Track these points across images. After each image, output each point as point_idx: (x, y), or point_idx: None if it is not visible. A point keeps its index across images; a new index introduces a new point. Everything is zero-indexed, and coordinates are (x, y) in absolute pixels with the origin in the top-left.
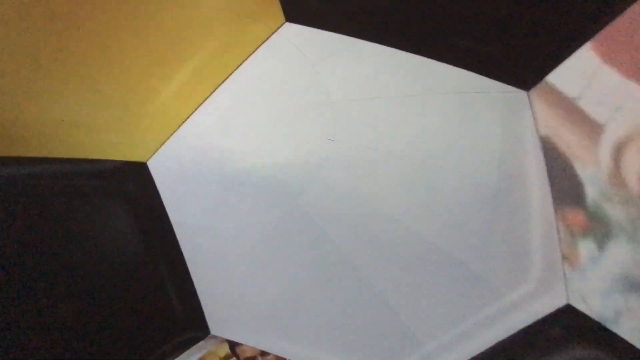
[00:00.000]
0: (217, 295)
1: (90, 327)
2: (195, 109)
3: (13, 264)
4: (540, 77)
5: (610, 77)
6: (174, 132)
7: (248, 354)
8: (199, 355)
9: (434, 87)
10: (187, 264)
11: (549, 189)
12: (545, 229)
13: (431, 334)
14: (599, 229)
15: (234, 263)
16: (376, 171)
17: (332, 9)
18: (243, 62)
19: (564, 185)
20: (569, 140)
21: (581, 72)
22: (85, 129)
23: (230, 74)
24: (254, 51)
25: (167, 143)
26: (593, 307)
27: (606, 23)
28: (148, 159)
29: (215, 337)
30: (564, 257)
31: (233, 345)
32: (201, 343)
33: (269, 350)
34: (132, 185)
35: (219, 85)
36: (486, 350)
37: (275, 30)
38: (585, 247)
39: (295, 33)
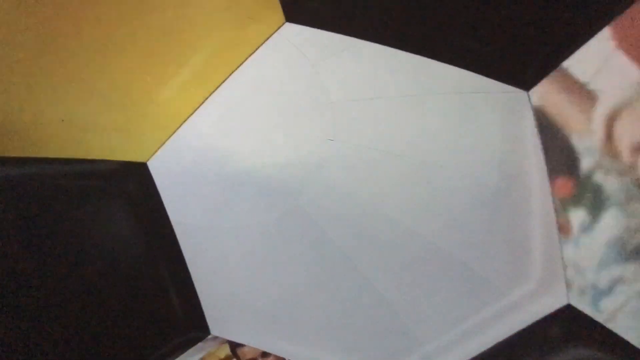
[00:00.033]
0: (217, 296)
1: (89, 327)
2: (196, 109)
3: (13, 264)
4: (540, 77)
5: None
6: (174, 132)
7: (249, 355)
8: (199, 356)
9: (434, 87)
10: (187, 263)
11: (549, 189)
12: (545, 229)
13: (431, 334)
14: (592, 198)
15: (234, 263)
16: (376, 171)
17: (333, 9)
18: (243, 62)
19: (558, 154)
20: (564, 111)
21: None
22: (85, 129)
23: (230, 74)
24: (254, 51)
25: (167, 143)
26: (587, 277)
27: (606, 23)
28: (148, 159)
29: (215, 337)
30: (558, 227)
31: (234, 347)
32: (201, 344)
33: (269, 351)
34: (132, 185)
35: (219, 85)
36: (486, 350)
37: (276, 31)
38: (579, 217)
39: (295, 33)
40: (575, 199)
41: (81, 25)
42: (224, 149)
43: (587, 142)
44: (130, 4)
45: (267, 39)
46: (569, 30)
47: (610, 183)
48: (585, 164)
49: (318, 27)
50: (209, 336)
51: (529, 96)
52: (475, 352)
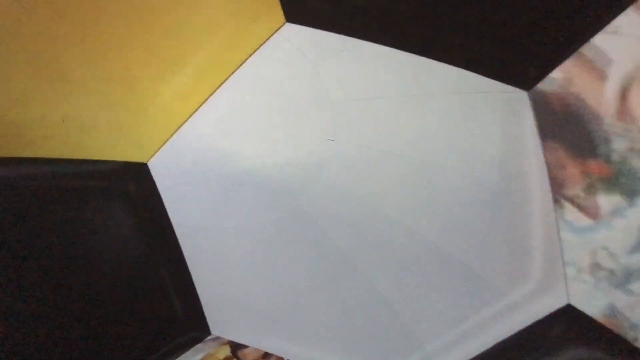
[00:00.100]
0: (217, 296)
1: (90, 327)
2: (196, 110)
3: (13, 265)
4: (540, 77)
5: None
6: (175, 132)
7: (250, 357)
8: (199, 357)
9: (434, 87)
10: (187, 264)
11: (549, 189)
12: (545, 229)
13: (431, 334)
14: (626, 181)
15: (235, 263)
16: (376, 171)
17: (333, 9)
18: (243, 62)
19: (586, 137)
20: (596, 93)
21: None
22: (85, 129)
23: (231, 75)
24: (254, 52)
25: (167, 143)
26: (620, 260)
27: (607, 23)
28: (148, 160)
29: (215, 338)
30: (582, 209)
31: (235, 348)
32: (201, 345)
33: (269, 351)
34: (133, 185)
35: (219, 85)
36: (487, 350)
37: (276, 31)
38: (611, 200)
39: (295, 33)
40: (607, 183)
41: (82, 25)
42: (224, 149)
43: (621, 126)
44: (131, 5)
45: (268, 39)
46: (569, 30)
47: None
48: (619, 147)
49: (318, 27)
50: (209, 337)
51: (529, 96)
52: (475, 352)
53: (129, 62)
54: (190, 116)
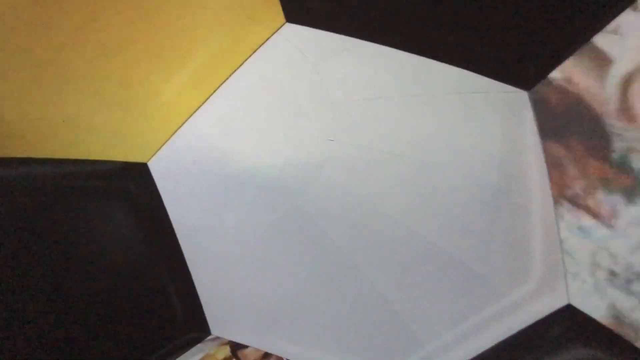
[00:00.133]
0: (217, 296)
1: (90, 327)
2: (196, 110)
3: (13, 265)
4: (540, 77)
5: None
6: (175, 132)
7: (250, 357)
8: (198, 357)
9: (434, 87)
10: (187, 264)
11: (549, 189)
12: (545, 229)
13: (432, 334)
14: (626, 180)
15: (235, 263)
16: (376, 171)
17: (333, 9)
18: (243, 62)
19: (586, 136)
20: (593, 93)
21: None
22: (85, 129)
23: (231, 75)
24: (254, 52)
25: (167, 143)
26: (621, 260)
27: (607, 22)
28: (149, 160)
29: (214, 338)
30: (589, 210)
31: (235, 349)
32: (200, 345)
33: (269, 351)
34: (133, 185)
35: (220, 86)
36: (487, 350)
37: (276, 31)
38: (612, 200)
39: (295, 33)
40: (607, 182)
41: (82, 25)
42: (224, 149)
43: (621, 125)
44: (131, 5)
45: (268, 39)
46: (569, 30)
47: None
48: (620, 147)
49: (318, 27)
50: (209, 337)
51: (529, 96)
52: (476, 352)
53: (129, 62)
54: (190, 116)
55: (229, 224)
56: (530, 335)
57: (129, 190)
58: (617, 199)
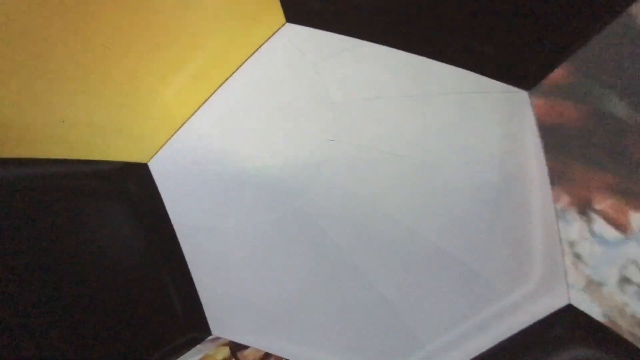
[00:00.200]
0: (218, 296)
1: (90, 327)
2: (196, 110)
3: (13, 265)
4: (540, 77)
5: None
6: (175, 132)
7: (250, 358)
8: (197, 357)
9: (434, 87)
10: (188, 264)
11: (549, 189)
12: (545, 229)
13: (432, 334)
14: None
15: (235, 263)
16: (376, 171)
17: (333, 10)
18: (244, 62)
19: (594, 144)
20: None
21: None
22: (86, 129)
23: (231, 75)
24: (254, 52)
25: (168, 144)
26: None
27: (607, 22)
28: (149, 160)
29: (214, 339)
30: (614, 223)
31: (235, 349)
32: (200, 345)
33: (269, 351)
34: (133, 186)
35: (220, 86)
36: (487, 350)
37: (276, 31)
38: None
39: (295, 33)
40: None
41: (82, 26)
42: (224, 150)
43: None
44: (131, 6)
45: (268, 39)
46: (569, 30)
47: None
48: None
49: (318, 28)
50: (209, 337)
51: (529, 96)
52: (475, 352)
53: (129, 63)
54: (190, 116)
55: (229, 224)
56: (530, 336)
57: (129, 190)
58: None
